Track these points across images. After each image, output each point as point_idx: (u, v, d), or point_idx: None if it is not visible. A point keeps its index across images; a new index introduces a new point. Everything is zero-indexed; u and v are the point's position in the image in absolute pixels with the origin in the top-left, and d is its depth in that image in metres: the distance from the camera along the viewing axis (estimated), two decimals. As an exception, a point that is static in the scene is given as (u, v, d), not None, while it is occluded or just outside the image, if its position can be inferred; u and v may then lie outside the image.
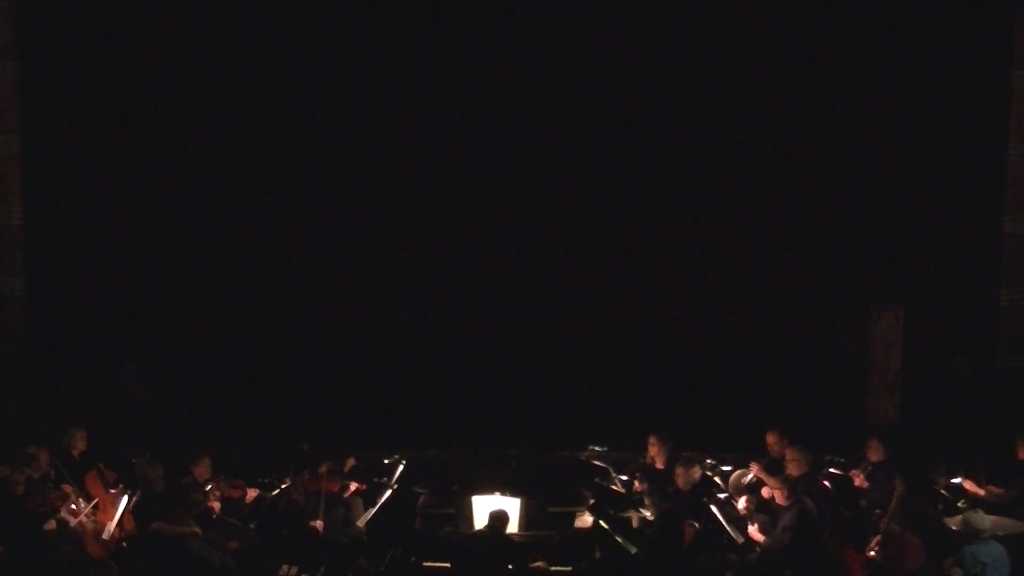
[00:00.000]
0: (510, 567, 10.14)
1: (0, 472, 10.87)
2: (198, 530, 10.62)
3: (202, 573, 10.50)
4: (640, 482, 11.65)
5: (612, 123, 15.19)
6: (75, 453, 11.83)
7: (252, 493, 11.54)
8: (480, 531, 10.50)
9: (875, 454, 11.72)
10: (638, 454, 12.20)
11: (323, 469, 11.55)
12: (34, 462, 11.20)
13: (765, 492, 11.22)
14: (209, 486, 11.19)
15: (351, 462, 12.01)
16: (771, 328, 15.30)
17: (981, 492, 11.30)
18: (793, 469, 11.21)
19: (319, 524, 11.20)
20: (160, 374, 14.69)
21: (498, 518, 10.33)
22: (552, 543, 11.02)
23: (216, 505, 11.09)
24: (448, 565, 10.40)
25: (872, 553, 9.99)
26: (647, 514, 11.19)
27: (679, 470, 11.19)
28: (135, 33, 15.06)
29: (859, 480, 11.70)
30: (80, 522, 10.77)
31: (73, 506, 10.85)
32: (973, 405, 14.33)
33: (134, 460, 11.82)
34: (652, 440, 11.92)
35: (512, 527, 10.82)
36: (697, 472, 11.25)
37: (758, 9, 14.92)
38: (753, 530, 10.91)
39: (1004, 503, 11.09)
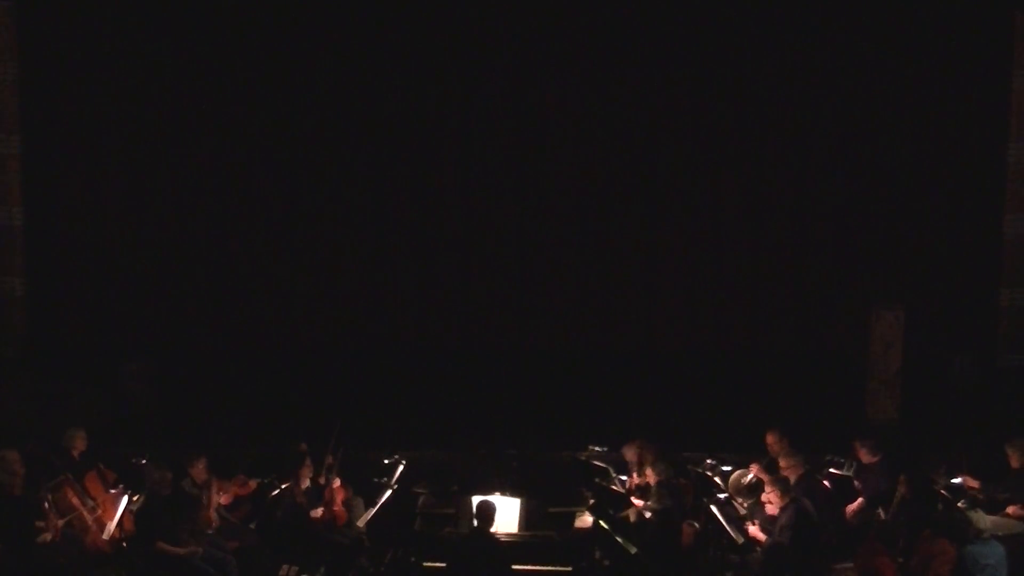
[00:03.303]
0: (512, 567, 10.11)
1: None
2: (199, 549, 10.60)
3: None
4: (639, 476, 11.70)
5: (612, 123, 15.19)
6: (75, 453, 11.81)
7: (251, 484, 11.52)
8: (472, 530, 10.43)
9: (865, 456, 11.71)
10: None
11: (329, 461, 11.60)
12: (2, 462, 11.09)
13: (765, 497, 11.22)
14: (216, 488, 11.20)
15: (329, 460, 11.93)
16: (771, 328, 15.30)
17: (976, 484, 11.27)
18: (791, 475, 11.22)
19: (320, 512, 11.26)
20: (160, 374, 14.69)
21: (484, 513, 10.25)
22: (552, 543, 11.01)
23: (213, 515, 11.10)
24: (447, 565, 10.39)
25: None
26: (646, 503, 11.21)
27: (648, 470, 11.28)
28: (135, 33, 15.06)
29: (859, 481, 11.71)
30: (80, 522, 10.77)
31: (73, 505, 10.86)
32: (973, 405, 14.33)
33: (133, 460, 11.82)
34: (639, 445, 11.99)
35: (512, 527, 10.82)
36: (660, 469, 11.27)
37: (758, 9, 14.91)
38: (755, 530, 10.91)
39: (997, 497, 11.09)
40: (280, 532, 11.22)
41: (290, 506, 11.26)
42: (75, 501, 10.90)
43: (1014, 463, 11.43)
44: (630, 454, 11.96)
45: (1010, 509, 11.09)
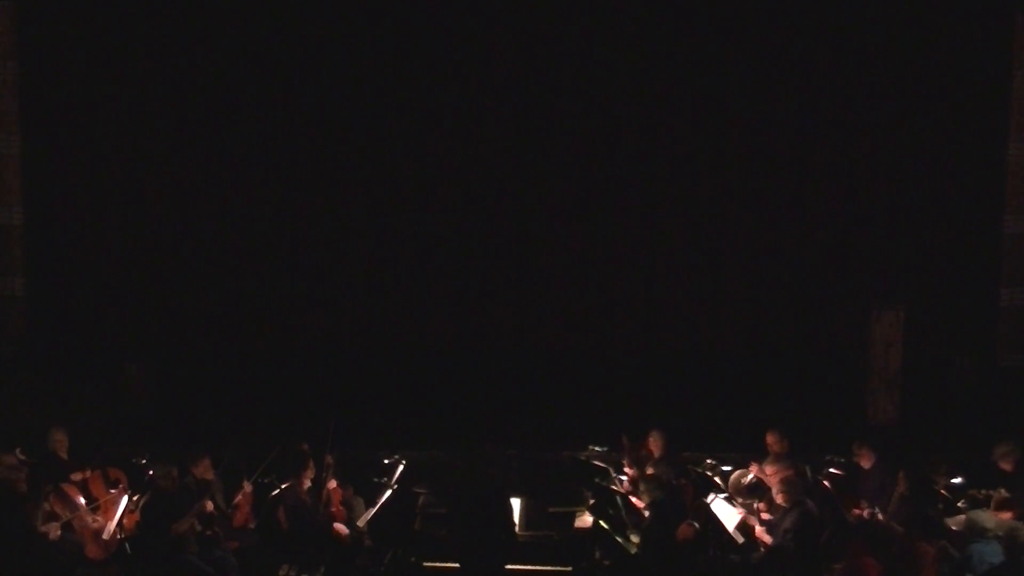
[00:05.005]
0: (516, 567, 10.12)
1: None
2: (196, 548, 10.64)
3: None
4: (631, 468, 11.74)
5: (612, 123, 15.18)
6: (61, 454, 11.78)
7: (248, 488, 11.54)
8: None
9: (864, 460, 11.70)
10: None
11: (329, 461, 11.60)
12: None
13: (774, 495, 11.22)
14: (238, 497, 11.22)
15: (328, 460, 11.93)
16: (771, 328, 15.29)
17: None
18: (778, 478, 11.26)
19: (342, 528, 11.30)
20: (160, 374, 14.69)
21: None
22: (552, 543, 11.02)
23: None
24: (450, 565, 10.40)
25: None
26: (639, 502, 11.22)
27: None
28: (135, 33, 15.07)
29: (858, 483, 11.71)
30: (81, 522, 10.78)
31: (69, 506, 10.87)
32: (973, 405, 14.33)
33: (134, 460, 11.82)
34: (654, 435, 12.00)
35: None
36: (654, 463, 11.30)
37: (758, 9, 14.91)
38: (760, 531, 10.91)
39: None
40: (281, 532, 11.23)
41: (291, 506, 11.26)
42: (70, 502, 10.90)
43: (1004, 466, 11.39)
44: (652, 444, 11.98)
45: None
